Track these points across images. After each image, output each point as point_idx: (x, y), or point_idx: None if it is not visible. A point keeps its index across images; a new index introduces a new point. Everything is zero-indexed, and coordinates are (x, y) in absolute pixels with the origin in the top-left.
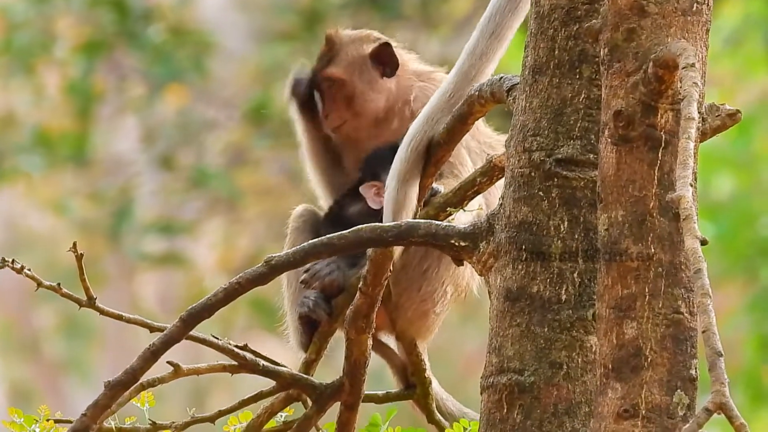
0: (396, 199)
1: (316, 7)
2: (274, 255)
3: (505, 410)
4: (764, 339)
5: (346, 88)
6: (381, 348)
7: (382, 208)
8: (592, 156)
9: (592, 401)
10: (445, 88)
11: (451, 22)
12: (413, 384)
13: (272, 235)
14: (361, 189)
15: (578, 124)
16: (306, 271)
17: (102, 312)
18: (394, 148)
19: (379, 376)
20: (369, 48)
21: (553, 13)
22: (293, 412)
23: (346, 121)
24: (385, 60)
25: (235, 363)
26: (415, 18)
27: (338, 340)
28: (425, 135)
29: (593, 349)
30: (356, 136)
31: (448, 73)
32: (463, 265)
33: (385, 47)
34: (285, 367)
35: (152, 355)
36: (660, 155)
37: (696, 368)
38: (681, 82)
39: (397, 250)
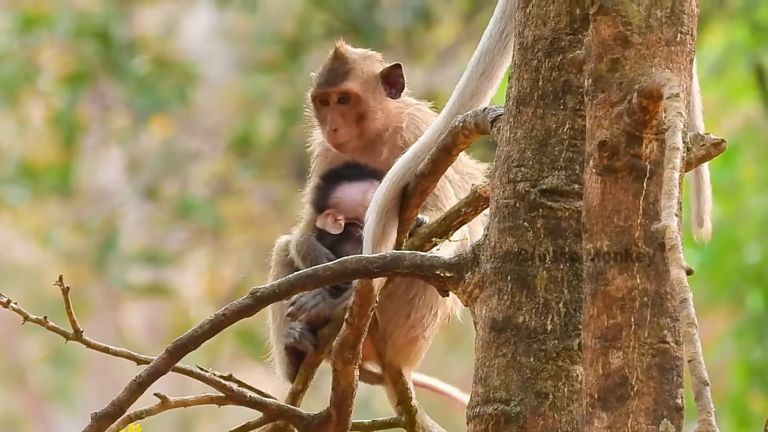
0: (375, 232)
1: (299, 37)
2: (259, 287)
3: None
4: (750, 366)
5: (360, 105)
6: (366, 376)
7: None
8: (576, 186)
9: (578, 431)
10: (435, 128)
11: (434, 51)
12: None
13: (257, 264)
14: (317, 223)
15: (563, 155)
16: (292, 303)
17: (89, 345)
18: (350, 167)
19: (365, 404)
20: (379, 67)
21: (537, 44)
22: None
23: (352, 139)
24: (393, 81)
25: (223, 395)
26: (399, 47)
27: (325, 370)
28: (409, 171)
29: (579, 379)
30: (352, 156)
31: (432, 107)
32: (448, 295)
33: (397, 68)
34: (272, 398)
35: (139, 387)
36: (645, 185)
37: (682, 397)
38: (665, 112)
39: (378, 281)
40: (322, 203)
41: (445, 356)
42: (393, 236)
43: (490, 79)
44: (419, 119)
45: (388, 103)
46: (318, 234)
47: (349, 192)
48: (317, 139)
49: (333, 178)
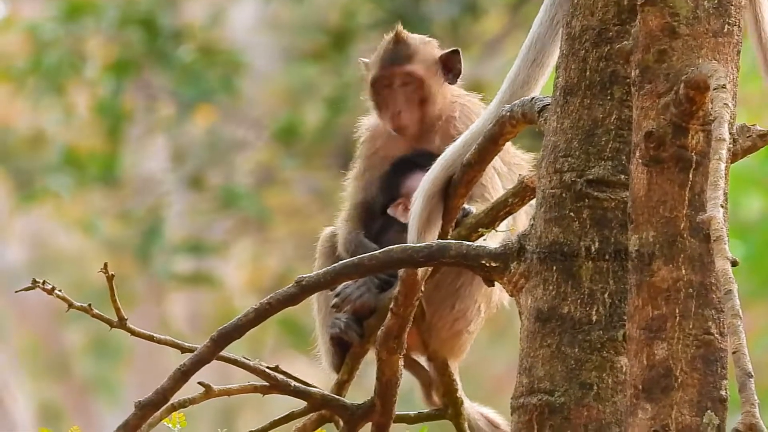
0: (421, 217)
1: (345, 27)
2: (304, 276)
3: (536, 431)
4: None
5: (423, 89)
6: (412, 366)
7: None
8: (623, 177)
9: (622, 422)
10: (486, 117)
11: (481, 42)
12: (445, 404)
13: (301, 255)
14: (389, 211)
15: (609, 145)
16: (337, 295)
17: (133, 333)
18: (421, 156)
19: (409, 396)
20: (438, 53)
21: (585, 35)
22: None
23: (414, 123)
24: (451, 67)
25: (267, 384)
26: (446, 38)
27: (370, 361)
28: (459, 159)
29: (623, 370)
30: (410, 140)
31: (481, 99)
32: (494, 285)
33: (456, 54)
34: (316, 387)
35: (183, 375)
36: (691, 176)
37: (726, 389)
38: (712, 103)
39: (422, 270)
40: (393, 192)
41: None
42: (438, 225)
43: (542, 67)
44: (470, 110)
45: (445, 90)
46: (361, 222)
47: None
48: (365, 125)
49: (404, 166)
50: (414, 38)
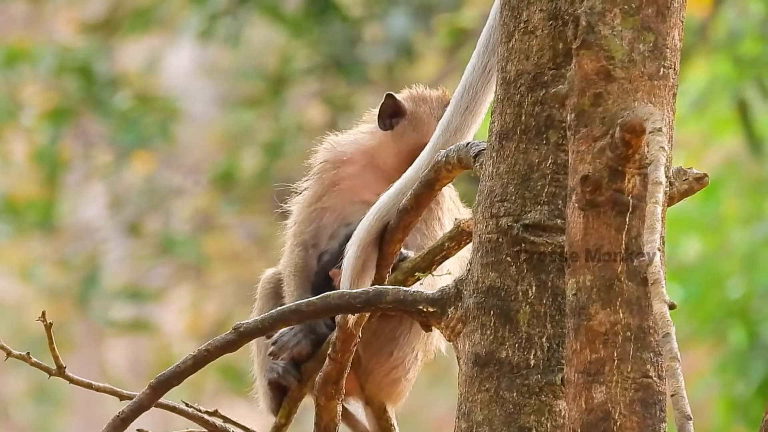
0: (355, 266)
1: (282, 72)
2: (242, 322)
3: None
4: (733, 401)
5: None
6: (346, 416)
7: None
8: (559, 221)
9: None
10: (419, 164)
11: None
12: None
13: (240, 300)
14: (331, 273)
15: (545, 189)
16: (273, 342)
17: (72, 381)
18: None
19: None
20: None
21: (520, 79)
22: None
23: None
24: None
25: (205, 430)
26: (382, 82)
27: (309, 404)
28: (393, 207)
29: (562, 414)
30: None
31: None
32: (431, 330)
33: (386, 99)
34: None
35: (122, 422)
36: (627, 220)
37: None
38: (648, 146)
39: (352, 316)
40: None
41: (428, 391)
42: (372, 273)
43: (474, 115)
44: None
45: (388, 138)
46: (308, 253)
47: None
48: (323, 154)
49: None
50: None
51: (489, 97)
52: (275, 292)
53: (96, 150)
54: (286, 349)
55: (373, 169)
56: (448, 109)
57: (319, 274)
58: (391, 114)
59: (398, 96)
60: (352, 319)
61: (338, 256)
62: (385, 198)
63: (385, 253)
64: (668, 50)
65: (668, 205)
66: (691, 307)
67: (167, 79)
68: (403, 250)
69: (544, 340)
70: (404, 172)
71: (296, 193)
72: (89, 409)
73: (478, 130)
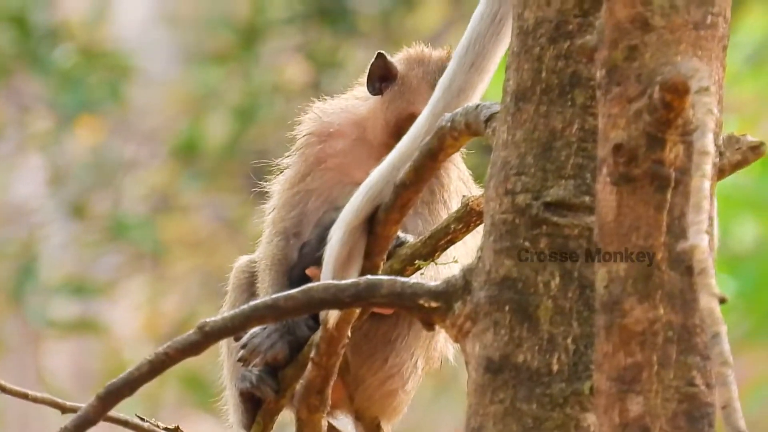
0: (339, 256)
1: (256, 23)
2: (208, 320)
3: None
4: None
5: None
6: None
7: None
8: (587, 199)
9: None
10: (416, 132)
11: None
12: None
13: (206, 295)
14: (308, 272)
15: (571, 161)
16: (243, 346)
17: (4, 390)
18: None
19: None
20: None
21: (540, 29)
22: None
23: None
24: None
25: None
26: (374, 35)
27: (289, 421)
28: (387, 185)
29: (591, 429)
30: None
31: None
32: (434, 329)
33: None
34: None
35: None
36: (669, 197)
37: None
38: (693, 109)
39: (334, 313)
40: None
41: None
42: (359, 265)
43: (481, 72)
44: None
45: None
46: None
47: None
48: (306, 126)
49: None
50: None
51: (499, 52)
52: (251, 284)
53: (33, 115)
54: (258, 353)
55: (365, 144)
56: (450, 65)
57: (298, 268)
58: (381, 77)
59: (392, 57)
60: (333, 315)
61: (320, 246)
62: (376, 174)
63: (379, 237)
64: None
65: (718, 180)
66: (745, 303)
67: (118, 30)
68: (400, 234)
69: (569, 341)
70: (392, 148)
71: (276, 170)
72: (24, 423)
73: (485, 91)
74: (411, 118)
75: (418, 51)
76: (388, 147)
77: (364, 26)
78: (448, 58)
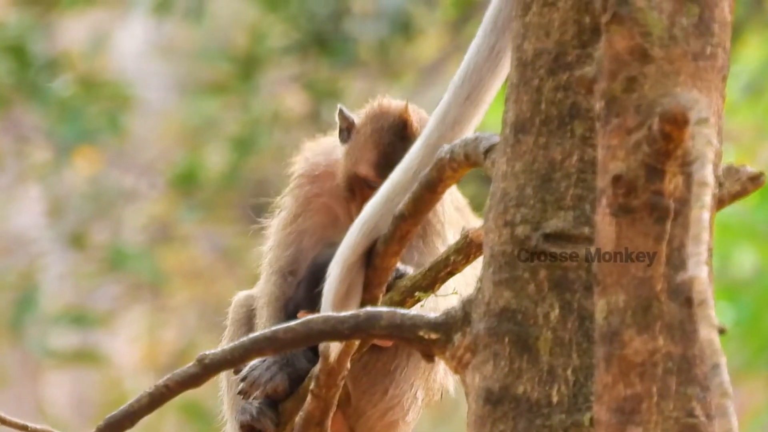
0: (338, 293)
1: (253, 52)
2: (208, 352)
3: None
4: None
5: None
6: None
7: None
8: (586, 230)
9: None
10: (409, 163)
11: (416, 69)
12: None
13: (205, 326)
14: (298, 315)
15: (570, 192)
16: (243, 378)
17: (3, 421)
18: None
19: None
20: None
21: (539, 60)
22: None
23: None
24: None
25: None
26: (373, 64)
27: None
28: (382, 218)
29: None
30: None
31: None
32: (434, 361)
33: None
34: None
35: None
36: (668, 228)
37: None
38: (692, 140)
39: (336, 346)
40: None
41: None
42: (358, 297)
43: (477, 105)
44: None
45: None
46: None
47: None
48: (303, 160)
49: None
50: (420, 128)
51: (496, 84)
52: (249, 318)
53: (31, 146)
54: (258, 385)
55: None
56: (445, 96)
57: (292, 304)
58: (347, 127)
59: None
60: (335, 348)
61: (312, 284)
62: (369, 208)
63: (378, 269)
64: (716, 25)
65: (717, 210)
66: (744, 332)
67: (116, 61)
68: (399, 266)
69: (569, 372)
70: (348, 202)
71: (274, 207)
72: None
73: (482, 122)
74: (356, 177)
75: (379, 104)
76: (346, 200)
77: (363, 56)
78: (406, 112)
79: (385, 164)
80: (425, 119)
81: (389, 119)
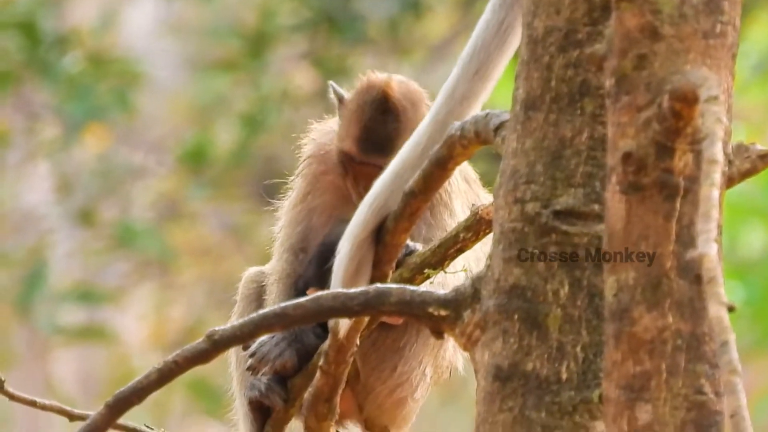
0: (347, 270)
1: (263, 30)
2: (217, 328)
3: None
4: None
5: None
6: None
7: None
8: (596, 207)
9: None
10: (418, 139)
11: (425, 46)
12: None
13: (213, 303)
14: (308, 292)
15: (580, 169)
16: (252, 354)
17: (12, 397)
18: None
19: None
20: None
21: (549, 37)
22: None
23: None
24: None
25: None
26: (383, 42)
27: (297, 427)
28: (392, 195)
29: None
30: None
31: None
32: (443, 338)
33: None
34: None
35: None
36: (678, 205)
37: None
38: (702, 117)
39: (345, 323)
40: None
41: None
42: (368, 274)
43: (485, 80)
44: None
45: None
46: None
47: None
48: (313, 137)
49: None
50: (405, 102)
51: (504, 61)
52: (260, 294)
53: (41, 123)
54: (267, 361)
55: None
56: (454, 71)
57: (302, 280)
58: (341, 102)
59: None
60: (344, 325)
61: (322, 261)
62: (379, 185)
63: (388, 246)
64: (726, 3)
65: (727, 188)
66: (753, 311)
67: (126, 38)
68: (409, 243)
69: (578, 349)
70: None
71: (286, 189)
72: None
73: (492, 99)
74: (343, 153)
75: (367, 78)
76: (342, 177)
77: (372, 33)
78: (388, 86)
79: (367, 139)
80: (413, 92)
81: (372, 94)
